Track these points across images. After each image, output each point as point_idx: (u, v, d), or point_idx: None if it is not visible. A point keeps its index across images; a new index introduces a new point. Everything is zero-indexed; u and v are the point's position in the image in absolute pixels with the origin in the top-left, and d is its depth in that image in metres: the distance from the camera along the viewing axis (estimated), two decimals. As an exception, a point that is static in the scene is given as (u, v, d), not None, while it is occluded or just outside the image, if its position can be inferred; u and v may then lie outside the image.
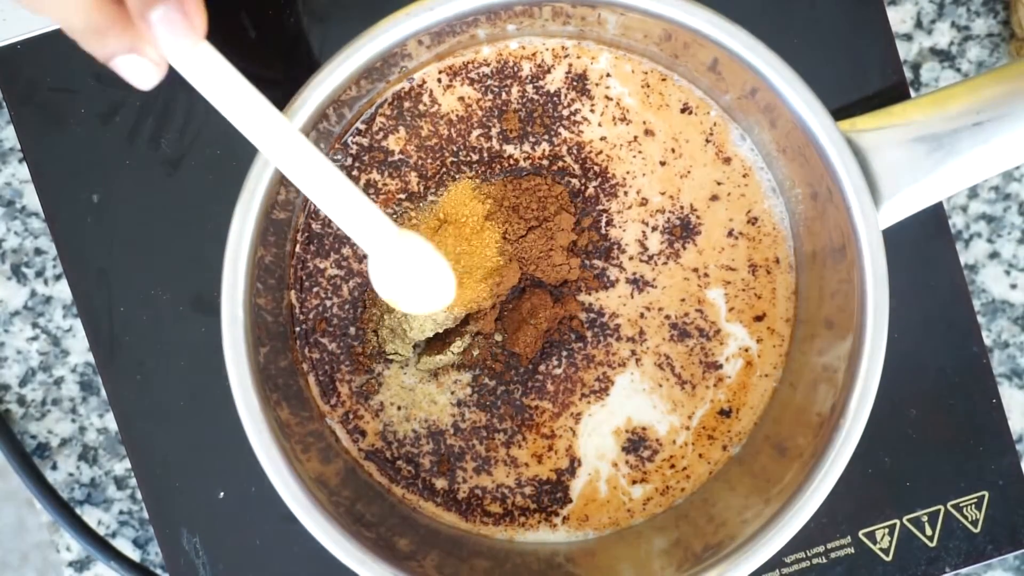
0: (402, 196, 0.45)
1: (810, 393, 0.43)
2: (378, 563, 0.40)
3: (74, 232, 0.46)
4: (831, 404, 0.40)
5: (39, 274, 0.48)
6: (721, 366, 0.45)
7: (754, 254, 0.45)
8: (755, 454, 0.45)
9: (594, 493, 0.46)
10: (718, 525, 0.43)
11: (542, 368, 0.45)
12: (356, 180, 0.45)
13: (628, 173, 0.45)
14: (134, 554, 0.49)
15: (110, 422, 0.49)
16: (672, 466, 0.46)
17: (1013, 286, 0.50)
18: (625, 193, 0.45)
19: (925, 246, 0.47)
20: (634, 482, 0.46)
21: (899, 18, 0.49)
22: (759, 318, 0.45)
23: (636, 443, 0.46)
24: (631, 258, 0.45)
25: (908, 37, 0.49)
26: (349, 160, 0.45)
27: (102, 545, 0.48)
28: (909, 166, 0.40)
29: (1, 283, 0.48)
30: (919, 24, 0.49)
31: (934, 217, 0.47)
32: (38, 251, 0.48)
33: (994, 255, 0.50)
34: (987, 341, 0.50)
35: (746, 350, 0.45)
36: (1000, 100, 0.39)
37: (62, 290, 0.48)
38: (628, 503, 0.46)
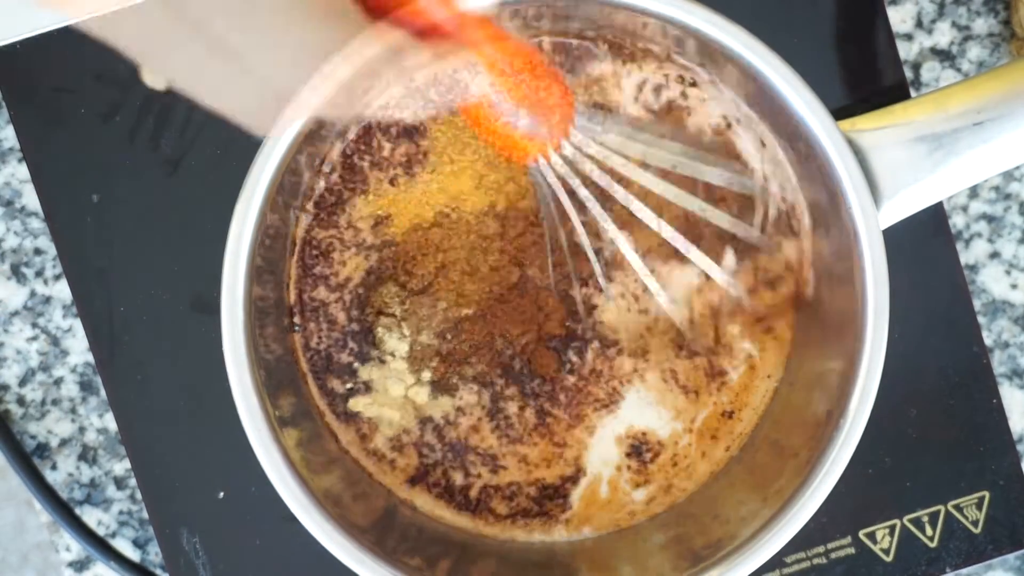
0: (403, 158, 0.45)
1: (810, 393, 0.43)
2: (378, 563, 0.40)
3: (74, 232, 0.46)
4: (831, 404, 0.40)
5: (39, 274, 0.48)
6: (726, 372, 0.45)
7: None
8: (754, 452, 0.45)
9: (595, 496, 0.46)
10: (722, 523, 0.43)
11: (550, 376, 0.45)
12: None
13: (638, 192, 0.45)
14: (134, 554, 0.49)
15: (110, 422, 0.49)
16: (675, 464, 0.46)
17: (1014, 286, 0.50)
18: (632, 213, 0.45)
19: (925, 246, 0.47)
20: (637, 485, 0.46)
21: (899, 18, 0.49)
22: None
23: (639, 447, 0.46)
24: (628, 275, 0.45)
25: (908, 37, 0.49)
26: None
27: (102, 545, 0.48)
28: (909, 166, 0.40)
29: (0, 283, 0.48)
30: (919, 24, 0.49)
31: (934, 217, 0.47)
32: (37, 251, 0.48)
33: (995, 255, 0.50)
34: (987, 341, 0.50)
35: (749, 355, 0.45)
36: (1001, 100, 0.39)
37: (62, 290, 0.48)
38: (630, 504, 0.46)
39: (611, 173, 0.41)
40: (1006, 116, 0.39)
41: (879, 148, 0.40)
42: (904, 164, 0.40)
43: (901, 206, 0.40)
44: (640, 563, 0.43)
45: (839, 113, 0.40)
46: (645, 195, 0.43)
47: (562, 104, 0.34)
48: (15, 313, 0.49)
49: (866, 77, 0.46)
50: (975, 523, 0.47)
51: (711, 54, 0.40)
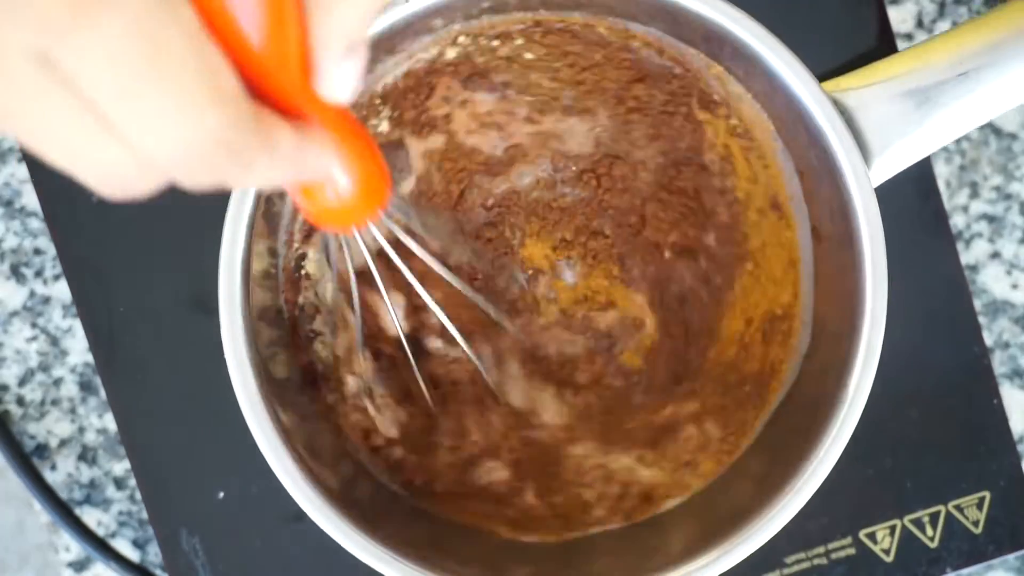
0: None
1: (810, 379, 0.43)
2: (387, 554, 0.39)
3: (74, 232, 0.46)
4: (830, 386, 0.39)
5: (38, 274, 0.48)
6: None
7: None
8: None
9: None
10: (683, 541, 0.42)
11: None
12: None
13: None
14: (134, 555, 0.49)
15: (109, 422, 0.49)
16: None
17: (1014, 286, 0.50)
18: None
19: (925, 246, 0.47)
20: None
21: (900, 18, 0.49)
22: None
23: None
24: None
25: (908, 37, 0.49)
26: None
27: (101, 546, 0.48)
28: (897, 121, 0.39)
29: (0, 283, 0.48)
30: (920, 24, 0.49)
31: (934, 217, 0.47)
32: (37, 251, 0.48)
33: (995, 255, 0.50)
34: (988, 341, 0.50)
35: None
36: (983, 50, 0.39)
37: (61, 290, 0.48)
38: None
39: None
40: (988, 65, 0.38)
41: (865, 106, 0.39)
42: (891, 120, 0.39)
43: (891, 162, 0.39)
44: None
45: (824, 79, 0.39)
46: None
47: (383, 176, 0.33)
48: (15, 313, 0.49)
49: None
50: (975, 523, 0.47)
51: (710, 36, 0.40)
